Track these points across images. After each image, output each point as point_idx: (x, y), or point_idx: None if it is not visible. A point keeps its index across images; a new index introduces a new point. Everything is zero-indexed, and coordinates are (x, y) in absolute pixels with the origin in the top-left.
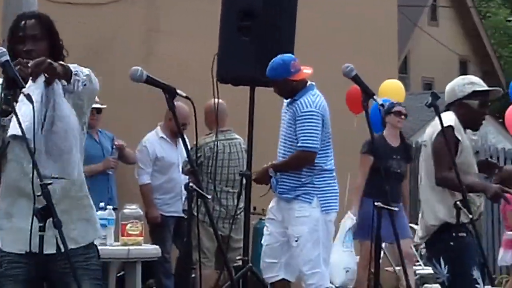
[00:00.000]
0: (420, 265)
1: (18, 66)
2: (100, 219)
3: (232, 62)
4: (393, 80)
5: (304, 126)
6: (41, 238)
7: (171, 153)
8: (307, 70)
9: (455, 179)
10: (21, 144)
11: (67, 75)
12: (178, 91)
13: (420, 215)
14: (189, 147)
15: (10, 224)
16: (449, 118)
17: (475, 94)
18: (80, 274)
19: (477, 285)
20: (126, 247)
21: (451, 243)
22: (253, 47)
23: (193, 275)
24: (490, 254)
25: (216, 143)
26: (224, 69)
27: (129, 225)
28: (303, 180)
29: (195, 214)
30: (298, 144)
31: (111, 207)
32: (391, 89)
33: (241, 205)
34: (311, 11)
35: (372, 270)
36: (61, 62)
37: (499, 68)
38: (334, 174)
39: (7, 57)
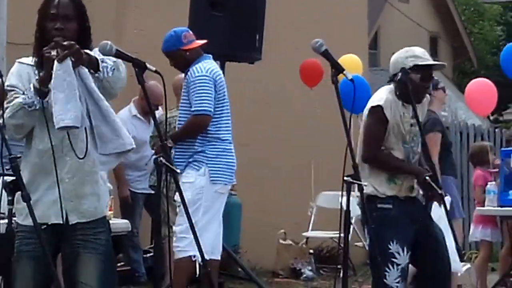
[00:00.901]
0: None
1: (57, 47)
2: None
3: (201, 37)
4: (351, 54)
5: (195, 91)
6: (10, 212)
7: (143, 131)
8: (200, 41)
9: (386, 159)
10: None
11: (93, 63)
12: (148, 65)
13: None
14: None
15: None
16: (380, 96)
17: (416, 68)
18: (87, 248)
19: (393, 259)
20: None
21: (374, 214)
22: (226, 23)
23: None
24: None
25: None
26: None
27: None
28: (196, 148)
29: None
30: (192, 109)
31: None
32: (349, 63)
33: None
34: None
35: (342, 245)
36: (87, 51)
37: (469, 45)
38: (230, 146)
39: None
